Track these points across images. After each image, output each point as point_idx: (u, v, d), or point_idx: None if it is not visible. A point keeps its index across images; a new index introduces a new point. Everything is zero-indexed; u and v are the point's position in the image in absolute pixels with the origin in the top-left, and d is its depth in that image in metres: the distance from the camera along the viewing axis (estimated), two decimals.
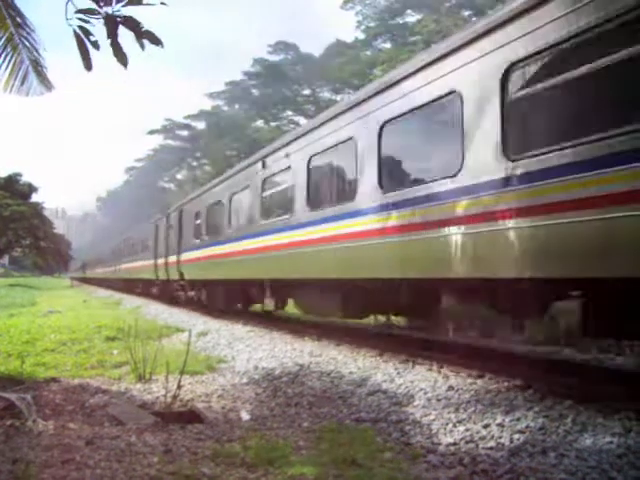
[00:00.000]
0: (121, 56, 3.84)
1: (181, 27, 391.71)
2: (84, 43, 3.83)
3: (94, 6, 3.73)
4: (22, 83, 5.10)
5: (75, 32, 3.81)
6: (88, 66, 3.93)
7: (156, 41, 3.85)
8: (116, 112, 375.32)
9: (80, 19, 3.78)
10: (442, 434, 4.18)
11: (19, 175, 51.14)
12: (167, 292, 19.03)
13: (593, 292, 4.54)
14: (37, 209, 51.87)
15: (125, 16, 3.74)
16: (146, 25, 3.82)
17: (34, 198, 52.34)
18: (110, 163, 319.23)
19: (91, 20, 3.77)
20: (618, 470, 3.28)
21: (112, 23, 3.74)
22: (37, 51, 5.07)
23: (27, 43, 4.98)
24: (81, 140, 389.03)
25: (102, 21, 3.75)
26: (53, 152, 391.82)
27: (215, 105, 44.13)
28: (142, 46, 3.83)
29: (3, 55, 4.96)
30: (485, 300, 5.70)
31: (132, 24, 3.76)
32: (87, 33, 3.83)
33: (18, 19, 4.88)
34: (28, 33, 4.94)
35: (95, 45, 3.86)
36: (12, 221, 45.82)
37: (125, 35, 3.83)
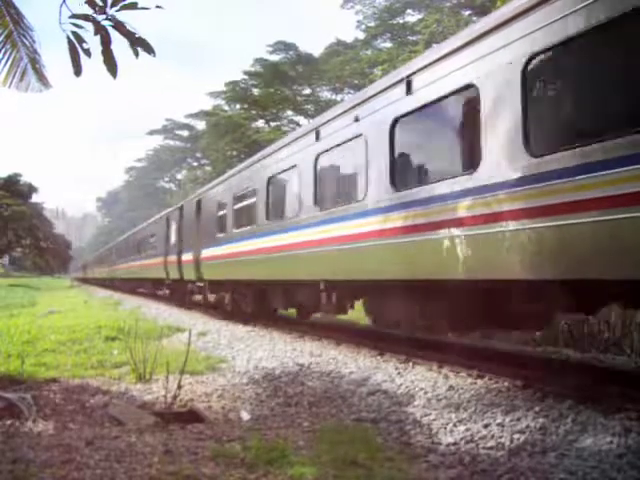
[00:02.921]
0: (111, 65, 3.79)
1: (181, 27, 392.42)
2: (76, 49, 3.80)
3: (88, 10, 3.70)
4: (21, 79, 5.09)
5: (68, 38, 3.78)
6: (78, 72, 3.89)
7: (149, 49, 3.80)
8: (116, 112, 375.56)
9: (74, 24, 3.75)
10: (442, 434, 4.18)
11: (19, 175, 51.23)
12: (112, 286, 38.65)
13: None
14: (37, 209, 51.98)
15: (118, 21, 3.70)
16: (144, 25, 3.81)
17: (34, 198, 52.55)
18: (110, 163, 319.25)
19: (85, 26, 3.74)
20: (618, 470, 3.27)
21: (104, 32, 3.70)
22: (35, 49, 5.06)
23: (25, 41, 4.98)
24: (81, 140, 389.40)
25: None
26: (53, 152, 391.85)
27: (215, 105, 44.00)
28: (136, 53, 3.79)
29: (2, 51, 4.95)
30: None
31: (126, 30, 3.72)
32: (80, 40, 3.79)
33: (16, 17, 4.88)
34: (26, 31, 4.94)
35: (87, 53, 3.83)
36: (12, 221, 45.86)
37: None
